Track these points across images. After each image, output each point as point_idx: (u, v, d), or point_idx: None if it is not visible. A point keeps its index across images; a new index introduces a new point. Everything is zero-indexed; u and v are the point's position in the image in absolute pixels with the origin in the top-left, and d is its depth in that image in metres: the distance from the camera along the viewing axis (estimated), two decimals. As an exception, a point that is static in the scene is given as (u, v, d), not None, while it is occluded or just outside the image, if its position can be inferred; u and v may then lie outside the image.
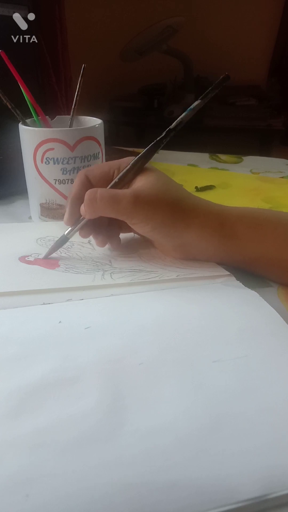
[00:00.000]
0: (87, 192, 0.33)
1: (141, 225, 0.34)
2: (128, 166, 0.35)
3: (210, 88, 0.32)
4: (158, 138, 0.34)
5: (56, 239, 0.40)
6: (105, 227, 0.38)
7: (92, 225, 0.37)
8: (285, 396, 0.22)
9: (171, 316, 0.29)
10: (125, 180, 0.35)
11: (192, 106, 0.33)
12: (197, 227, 0.33)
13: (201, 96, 0.33)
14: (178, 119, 0.34)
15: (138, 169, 0.35)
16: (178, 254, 0.36)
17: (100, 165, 0.37)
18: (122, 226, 0.38)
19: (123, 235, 0.39)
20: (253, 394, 0.23)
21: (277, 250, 0.32)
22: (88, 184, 0.36)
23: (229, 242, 0.33)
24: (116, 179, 0.35)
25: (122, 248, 0.39)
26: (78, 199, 0.35)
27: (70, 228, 0.37)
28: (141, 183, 0.34)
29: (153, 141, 0.35)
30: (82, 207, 0.34)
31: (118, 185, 0.35)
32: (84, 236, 0.37)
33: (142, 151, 0.35)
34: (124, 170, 0.35)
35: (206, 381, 0.23)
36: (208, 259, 0.36)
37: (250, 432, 0.20)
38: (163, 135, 0.34)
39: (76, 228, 0.36)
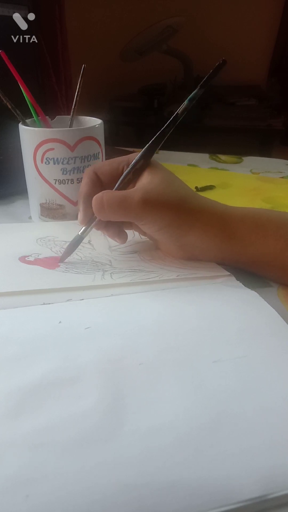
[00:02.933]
0: (94, 198, 0.33)
1: (149, 226, 0.34)
2: (134, 163, 0.34)
3: (208, 74, 0.32)
4: (163, 128, 0.34)
5: (56, 239, 0.40)
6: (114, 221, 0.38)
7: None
8: (285, 396, 0.22)
9: (171, 316, 0.29)
10: (134, 177, 0.35)
11: (191, 95, 0.33)
12: (200, 228, 0.33)
13: (200, 84, 0.33)
14: (181, 107, 0.34)
15: (144, 164, 0.35)
16: (181, 254, 0.36)
17: (109, 162, 0.36)
18: (125, 222, 0.38)
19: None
20: (253, 394, 0.23)
21: (279, 250, 0.32)
22: (98, 181, 0.36)
23: (232, 242, 0.33)
24: (124, 179, 0.35)
25: (122, 248, 0.39)
26: (90, 198, 0.35)
27: (84, 228, 0.36)
28: (147, 180, 0.34)
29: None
30: None
31: (127, 183, 0.35)
32: (99, 229, 0.37)
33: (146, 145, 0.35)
34: (130, 167, 0.35)
35: (206, 381, 0.23)
36: (210, 259, 0.36)
37: (250, 432, 0.20)
38: (168, 123, 0.34)
39: (90, 227, 0.36)
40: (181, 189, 0.35)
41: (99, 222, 0.36)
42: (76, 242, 0.37)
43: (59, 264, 0.36)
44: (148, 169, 0.35)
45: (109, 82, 1.89)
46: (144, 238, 0.41)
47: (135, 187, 0.34)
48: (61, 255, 0.37)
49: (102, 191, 0.33)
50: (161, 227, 0.33)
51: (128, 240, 0.39)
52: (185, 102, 0.34)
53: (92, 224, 0.36)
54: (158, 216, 0.33)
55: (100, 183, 0.36)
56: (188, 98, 0.33)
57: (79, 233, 0.36)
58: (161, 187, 0.33)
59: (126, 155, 0.36)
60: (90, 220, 0.36)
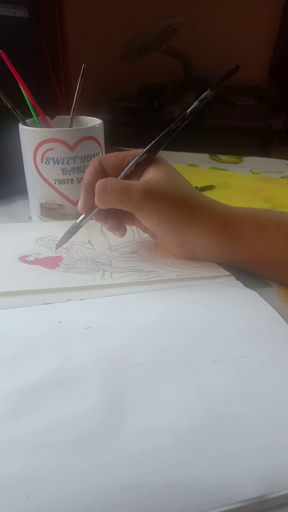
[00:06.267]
0: (98, 182, 0.33)
1: (149, 218, 0.34)
2: (139, 156, 0.35)
3: (221, 78, 0.33)
4: (171, 126, 0.34)
5: (56, 239, 0.39)
6: (114, 213, 0.37)
7: (105, 210, 0.36)
8: (285, 396, 0.22)
9: (171, 316, 0.29)
10: (137, 170, 0.35)
11: (202, 96, 0.33)
12: (201, 225, 0.33)
13: (212, 87, 0.33)
14: (191, 107, 0.34)
15: (148, 158, 0.35)
16: (180, 252, 0.36)
17: (115, 154, 0.36)
18: (127, 216, 0.38)
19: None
20: (253, 394, 0.23)
21: (279, 250, 0.32)
22: (102, 171, 0.36)
23: (232, 242, 0.33)
24: (127, 171, 0.35)
25: (122, 248, 0.39)
26: (92, 187, 0.35)
27: (82, 216, 0.36)
28: (151, 175, 0.34)
29: (157, 137, 0.35)
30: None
31: (130, 176, 0.35)
32: (98, 220, 0.37)
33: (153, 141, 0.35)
34: (135, 160, 0.35)
35: (206, 381, 0.23)
36: (210, 259, 0.36)
37: (250, 432, 0.20)
38: (176, 122, 0.34)
39: (88, 217, 0.36)
40: (185, 186, 0.35)
41: (98, 212, 0.36)
42: (74, 230, 0.37)
43: (55, 250, 0.37)
44: (154, 165, 0.35)
45: (109, 82, 1.89)
46: (144, 237, 0.41)
47: (139, 180, 0.34)
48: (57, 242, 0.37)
49: (107, 177, 0.34)
50: (161, 221, 0.33)
51: (128, 240, 0.39)
52: (195, 102, 0.34)
53: (92, 213, 0.36)
54: (159, 208, 0.33)
55: (104, 174, 0.36)
56: (199, 99, 0.34)
57: (77, 221, 0.36)
58: (164, 181, 0.33)
59: (133, 150, 0.36)
60: (90, 209, 0.36)
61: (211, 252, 0.35)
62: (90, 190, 0.35)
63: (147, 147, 0.35)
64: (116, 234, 0.38)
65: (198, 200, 0.34)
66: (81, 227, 0.37)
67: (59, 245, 0.37)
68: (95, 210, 0.36)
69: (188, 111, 0.34)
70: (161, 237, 0.37)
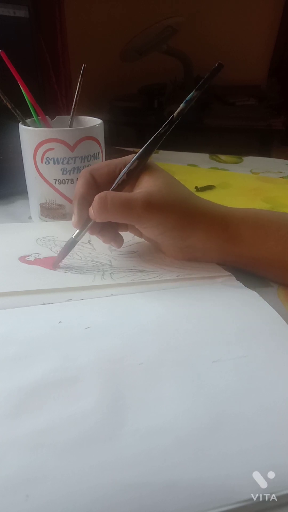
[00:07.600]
0: (97, 197, 0.32)
1: (151, 230, 0.34)
2: (130, 164, 0.34)
3: (205, 78, 0.32)
4: (159, 130, 0.34)
5: (56, 239, 0.39)
6: (108, 224, 0.36)
7: (100, 223, 0.35)
8: (285, 396, 0.22)
9: (171, 316, 0.29)
10: (130, 178, 0.34)
11: (188, 98, 0.33)
12: (203, 230, 0.33)
13: (196, 87, 0.33)
14: (178, 110, 0.33)
15: (139, 165, 0.34)
16: (182, 256, 0.36)
17: (105, 164, 0.36)
18: (120, 224, 0.37)
19: (124, 235, 0.39)
20: (253, 394, 0.23)
21: (280, 251, 0.32)
22: (94, 184, 0.35)
23: (233, 243, 0.33)
24: (119, 180, 0.34)
25: (122, 248, 0.39)
26: (86, 200, 0.34)
27: (78, 231, 0.35)
28: (148, 184, 0.33)
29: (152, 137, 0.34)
30: (91, 210, 0.33)
31: (122, 185, 0.34)
32: (93, 233, 0.36)
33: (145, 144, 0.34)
34: (126, 168, 0.34)
35: (206, 381, 0.23)
36: (211, 260, 0.36)
37: (250, 432, 0.20)
38: (164, 125, 0.34)
39: (84, 231, 0.35)
40: (183, 191, 0.34)
41: (93, 225, 0.35)
42: (70, 246, 0.36)
43: (53, 268, 0.35)
44: (149, 172, 0.34)
45: (109, 82, 1.89)
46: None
47: (138, 190, 0.34)
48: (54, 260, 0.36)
49: (105, 191, 0.33)
50: (164, 231, 0.33)
51: (128, 240, 0.39)
52: (182, 104, 0.33)
53: (87, 227, 0.35)
54: (162, 219, 0.32)
55: (96, 185, 0.35)
56: (185, 100, 0.33)
57: (73, 236, 0.35)
58: (164, 190, 0.33)
59: (123, 157, 0.36)
60: (84, 223, 0.35)
61: (212, 254, 0.35)
62: (84, 203, 0.34)
63: (137, 154, 0.34)
64: (113, 245, 0.37)
65: (198, 204, 0.34)
66: (77, 242, 0.36)
67: (56, 263, 0.36)
68: (90, 223, 0.35)
69: (175, 113, 0.33)
70: (163, 243, 0.36)
